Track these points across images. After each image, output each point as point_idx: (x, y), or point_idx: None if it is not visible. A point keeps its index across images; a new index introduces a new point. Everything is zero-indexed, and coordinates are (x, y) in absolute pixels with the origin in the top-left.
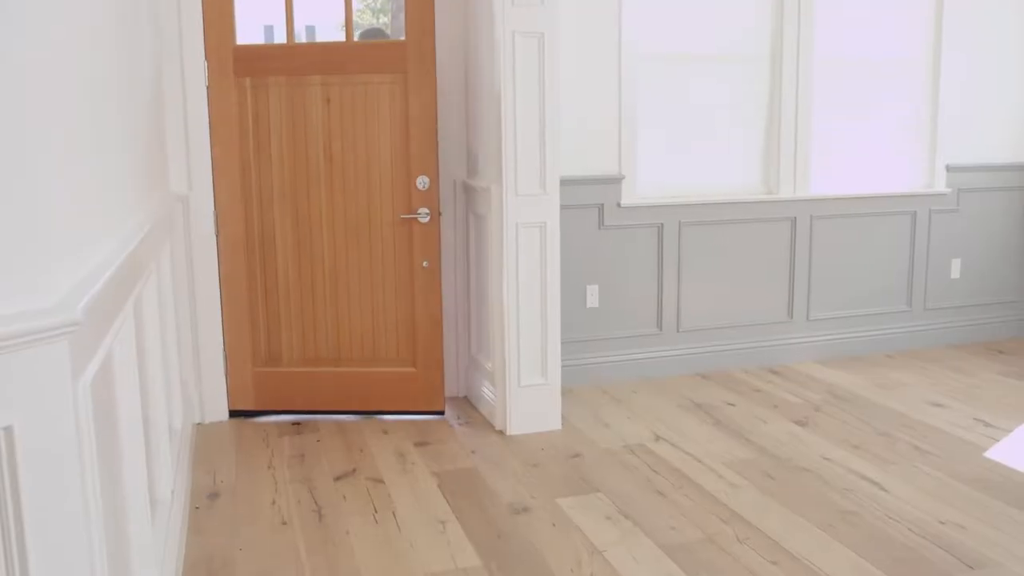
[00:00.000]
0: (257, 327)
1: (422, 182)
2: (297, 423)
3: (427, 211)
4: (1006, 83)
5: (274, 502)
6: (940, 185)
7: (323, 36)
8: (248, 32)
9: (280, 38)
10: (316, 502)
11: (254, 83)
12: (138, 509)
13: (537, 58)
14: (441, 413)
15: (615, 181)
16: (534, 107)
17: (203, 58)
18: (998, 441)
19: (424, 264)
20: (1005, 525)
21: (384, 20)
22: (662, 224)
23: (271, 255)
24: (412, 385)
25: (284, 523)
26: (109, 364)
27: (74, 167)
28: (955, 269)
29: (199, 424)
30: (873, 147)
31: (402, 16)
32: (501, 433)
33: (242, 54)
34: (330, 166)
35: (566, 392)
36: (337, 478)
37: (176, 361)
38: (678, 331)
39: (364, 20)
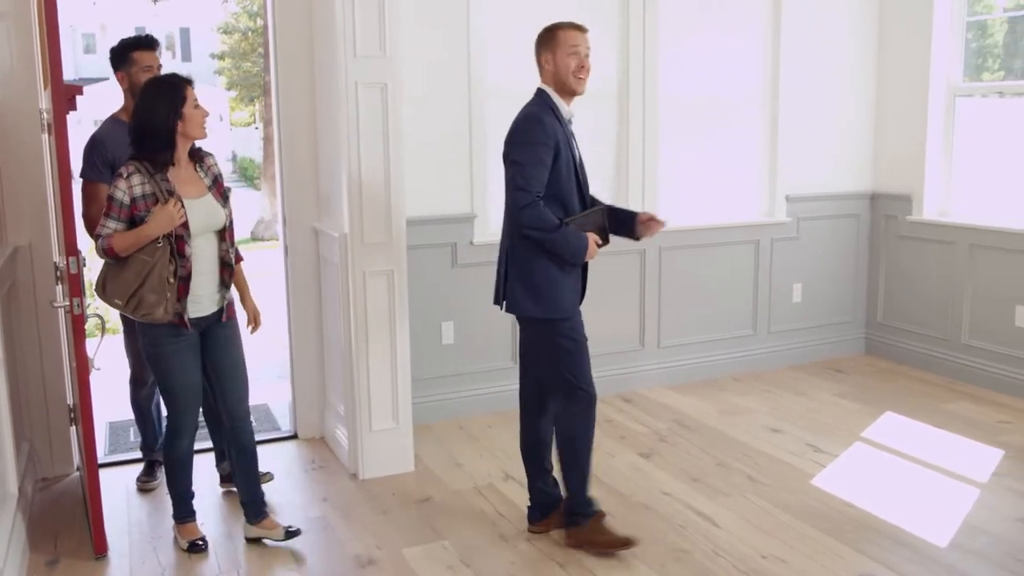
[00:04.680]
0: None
1: None
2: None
3: None
4: (839, 118)
5: (117, 567)
6: (781, 214)
7: (198, 39)
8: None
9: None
10: (160, 563)
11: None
12: None
13: (381, 108)
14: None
15: (467, 220)
16: (379, 157)
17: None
18: (824, 467)
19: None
20: (821, 556)
21: (261, 22)
22: None
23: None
24: None
25: None
26: None
27: None
28: (796, 293)
29: (45, 479)
30: (717, 180)
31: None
32: (355, 476)
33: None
34: None
35: (423, 429)
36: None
37: (10, 425)
38: None
39: (241, 23)
